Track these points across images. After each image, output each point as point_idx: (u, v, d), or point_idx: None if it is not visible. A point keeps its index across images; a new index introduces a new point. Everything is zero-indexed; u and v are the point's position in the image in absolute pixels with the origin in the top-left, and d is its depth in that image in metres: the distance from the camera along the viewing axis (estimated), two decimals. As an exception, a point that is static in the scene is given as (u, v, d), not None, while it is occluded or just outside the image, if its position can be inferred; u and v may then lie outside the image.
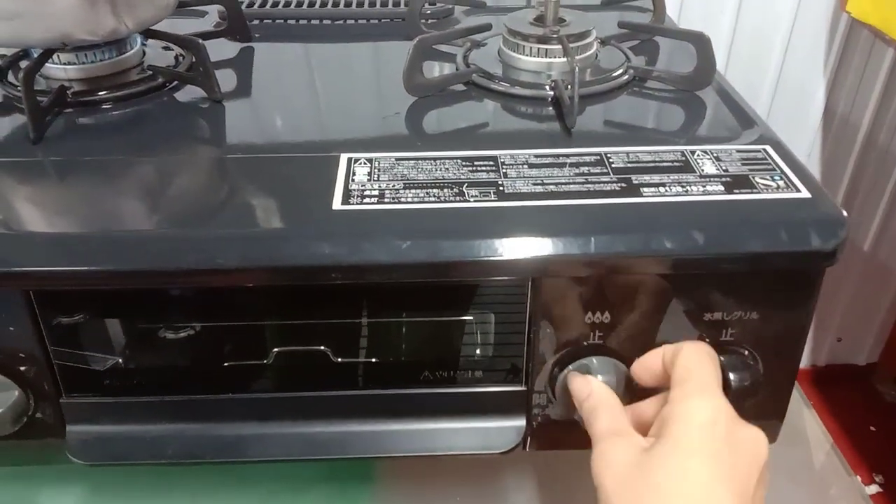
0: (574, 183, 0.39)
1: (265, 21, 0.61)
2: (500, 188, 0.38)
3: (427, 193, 0.38)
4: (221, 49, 0.55)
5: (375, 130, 0.46)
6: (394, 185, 0.39)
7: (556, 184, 0.39)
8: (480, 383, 0.41)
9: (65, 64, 0.47)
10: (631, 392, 0.39)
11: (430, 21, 0.61)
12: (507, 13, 0.53)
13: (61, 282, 0.35)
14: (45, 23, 0.41)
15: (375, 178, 0.39)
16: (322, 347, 0.40)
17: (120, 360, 0.39)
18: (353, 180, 0.39)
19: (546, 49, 0.49)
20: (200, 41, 0.46)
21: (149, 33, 0.48)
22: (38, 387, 0.39)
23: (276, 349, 0.40)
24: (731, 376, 0.38)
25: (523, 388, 0.41)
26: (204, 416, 0.40)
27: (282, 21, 0.62)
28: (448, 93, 0.49)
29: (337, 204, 0.37)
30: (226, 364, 0.40)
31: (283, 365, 0.40)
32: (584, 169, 0.40)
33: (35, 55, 0.48)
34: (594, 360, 0.39)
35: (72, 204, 0.39)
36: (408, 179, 0.39)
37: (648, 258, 0.36)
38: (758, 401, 0.40)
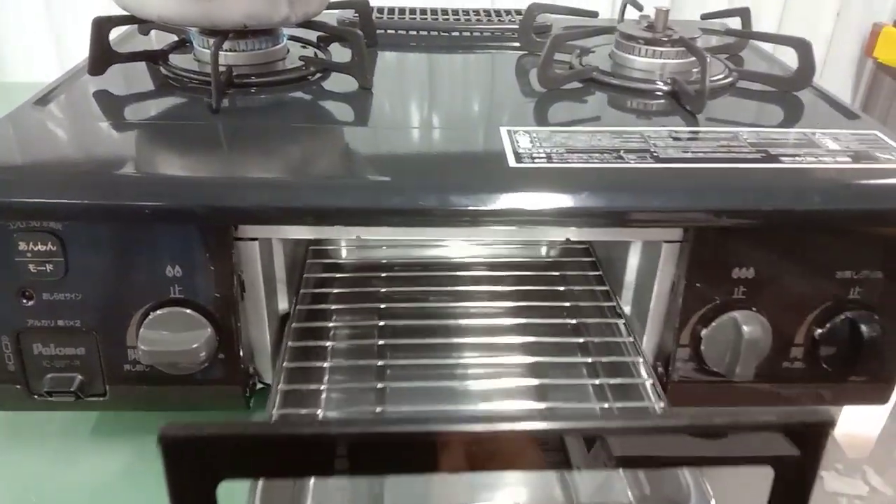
0: (718, 152, 0.43)
1: (381, 31, 0.66)
2: (655, 154, 0.43)
3: (590, 157, 0.42)
4: (347, 51, 0.60)
5: (516, 114, 0.50)
6: (558, 150, 0.43)
7: (703, 152, 0.43)
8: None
9: (226, 51, 0.52)
10: (776, 346, 0.42)
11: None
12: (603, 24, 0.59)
13: (271, 217, 0.39)
14: (236, 5, 0.46)
15: (539, 145, 0.43)
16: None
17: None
18: (518, 145, 0.43)
19: (661, 51, 0.54)
20: (359, 32, 0.50)
21: (310, 24, 0.52)
22: (227, 328, 0.41)
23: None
24: (863, 328, 0.42)
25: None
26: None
27: (400, 31, 0.67)
28: (567, 90, 0.54)
29: (512, 162, 0.41)
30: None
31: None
32: (724, 142, 0.44)
33: (195, 42, 0.53)
34: (737, 314, 0.43)
35: (266, 158, 0.42)
36: (568, 146, 0.43)
37: (803, 213, 0.40)
38: (878, 363, 0.44)
